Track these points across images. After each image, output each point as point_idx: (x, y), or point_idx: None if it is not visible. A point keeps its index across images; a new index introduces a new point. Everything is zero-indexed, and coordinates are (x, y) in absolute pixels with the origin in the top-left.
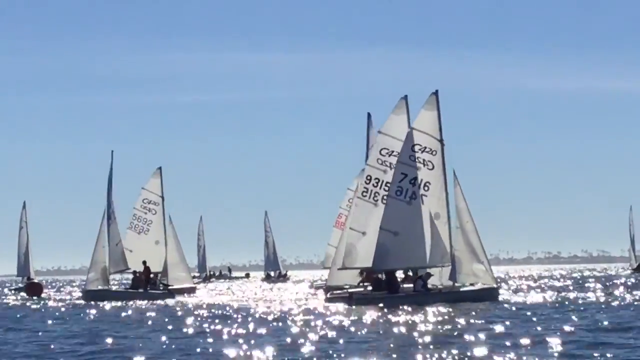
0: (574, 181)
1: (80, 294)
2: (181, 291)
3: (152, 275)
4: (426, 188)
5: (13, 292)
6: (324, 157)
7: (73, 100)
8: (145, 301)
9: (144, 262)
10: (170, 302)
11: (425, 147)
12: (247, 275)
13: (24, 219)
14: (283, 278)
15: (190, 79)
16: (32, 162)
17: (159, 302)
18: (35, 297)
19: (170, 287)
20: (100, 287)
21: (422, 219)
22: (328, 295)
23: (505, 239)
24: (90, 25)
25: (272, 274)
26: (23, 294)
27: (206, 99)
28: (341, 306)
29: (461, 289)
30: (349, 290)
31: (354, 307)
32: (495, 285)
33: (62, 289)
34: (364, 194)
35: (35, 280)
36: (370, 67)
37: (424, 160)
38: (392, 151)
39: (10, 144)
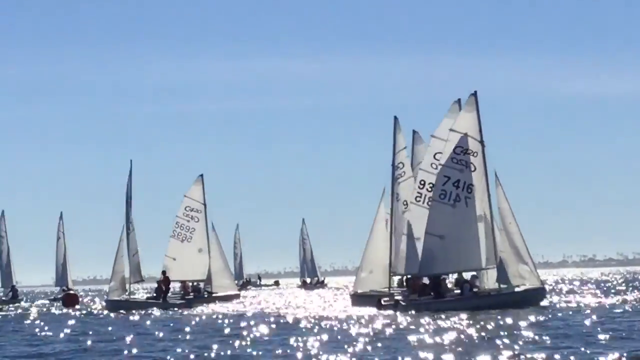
0: (608, 184)
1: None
2: (226, 298)
3: (194, 284)
4: (469, 190)
5: (49, 302)
6: (355, 163)
7: (113, 109)
8: (162, 311)
9: (164, 272)
10: (217, 309)
11: (467, 149)
12: (277, 283)
13: (61, 229)
14: (320, 285)
15: (228, 86)
16: (70, 171)
17: (199, 309)
18: (71, 308)
19: (214, 295)
20: (121, 297)
21: (467, 221)
22: (383, 302)
23: (540, 242)
24: (128, 36)
25: (307, 280)
26: (59, 304)
27: (236, 106)
28: (399, 314)
29: (508, 291)
30: (396, 297)
31: (399, 313)
32: (542, 286)
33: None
34: (418, 199)
35: (72, 291)
36: (397, 71)
37: (466, 162)
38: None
39: (46, 154)
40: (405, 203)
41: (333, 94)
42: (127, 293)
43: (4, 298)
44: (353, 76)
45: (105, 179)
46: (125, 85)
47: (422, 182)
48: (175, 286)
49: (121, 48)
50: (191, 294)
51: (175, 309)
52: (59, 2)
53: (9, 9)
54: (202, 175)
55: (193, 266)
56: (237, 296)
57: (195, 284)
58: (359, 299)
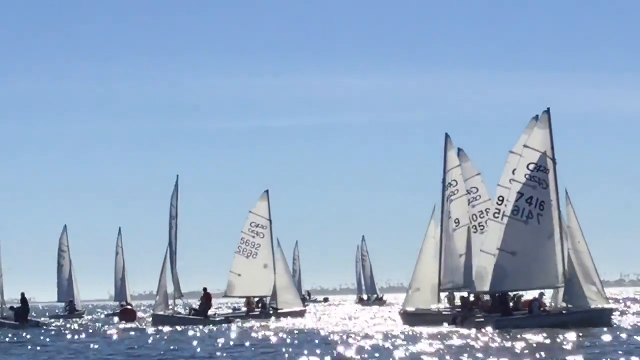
0: None
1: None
2: (291, 314)
3: (258, 299)
4: (542, 207)
5: (106, 316)
6: (412, 178)
7: (178, 124)
8: (202, 326)
9: (205, 289)
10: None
11: (540, 166)
12: (326, 300)
13: (120, 244)
14: (379, 301)
15: (290, 102)
16: (129, 187)
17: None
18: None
19: (280, 311)
20: (166, 312)
21: (539, 239)
22: (459, 319)
23: (598, 261)
24: (190, 50)
25: (364, 297)
26: (116, 318)
27: (298, 122)
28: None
29: (579, 310)
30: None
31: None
32: (611, 307)
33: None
34: (496, 215)
35: (129, 306)
36: (450, 89)
37: (539, 179)
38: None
39: (102, 170)
40: (456, 221)
41: (387, 110)
42: (170, 308)
43: (60, 313)
44: (413, 92)
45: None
46: (189, 99)
47: (501, 198)
48: (240, 302)
49: (185, 61)
50: (256, 310)
51: (216, 325)
52: (109, 12)
53: (61, 20)
54: (267, 191)
55: (258, 282)
56: (302, 312)
57: (261, 299)
58: (408, 317)
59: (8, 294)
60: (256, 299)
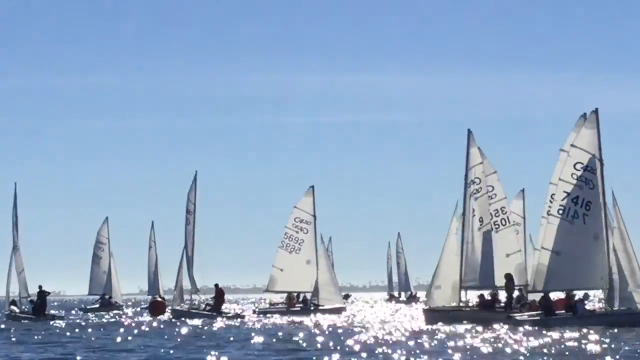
0: None
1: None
2: (331, 311)
3: (302, 295)
4: (587, 207)
5: (140, 309)
6: (440, 176)
7: (223, 120)
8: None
9: (216, 285)
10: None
11: (587, 166)
12: (346, 297)
13: (153, 238)
14: (413, 299)
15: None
16: (161, 182)
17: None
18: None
19: (321, 307)
20: (182, 307)
21: (584, 239)
22: (517, 318)
23: None
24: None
25: (395, 294)
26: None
27: (330, 120)
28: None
29: (622, 312)
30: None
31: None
32: None
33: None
34: (549, 212)
35: (158, 299)
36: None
37: (585, 179)
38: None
39: (138, 165)
40: (481, 219)
41: (424, 108)
42: (185, 303)
43: (90, 306)
44: (454, 91)
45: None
46: (231, 96)
47: (553, 196)
48: (281, 297)
49: (226, 59)
50: (297, 305)
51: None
52: (159, 13)
53: (112, 20)
54: (312, 187)
55: (300, 278)
56: (343, 309)
57: (302, 295)
58: (431, 314)
59: (34, 287)
60: (297, 295)
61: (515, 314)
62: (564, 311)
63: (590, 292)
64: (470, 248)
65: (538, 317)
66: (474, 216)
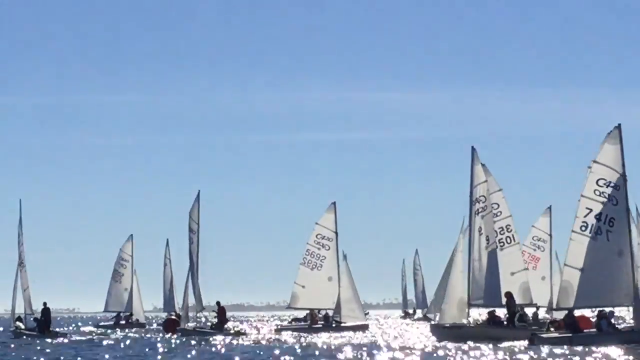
0: None
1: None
2: (354, 328)
3: (323, 312)
4: (610, 224)
5: (157, 326)
6: (448, 195)
7: (243, 138)
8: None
9: (218, 303)
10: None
11: (610, 182)
12: (366, 314)
13: (168, 255)
14: (427, 319)
15: (360, 117)
16: (174, 202)
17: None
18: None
19: (343, 324)
20: (187, 326)
21: (608, 255)
22: (543, 336)
23: None
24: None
25: (410, 311)
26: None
27: (358, 137)
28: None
29: None
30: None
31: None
32: None
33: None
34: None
35: (173, 316)
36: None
37: (608, 195)
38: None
39: (153, 182)
40: (487, 238)
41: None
42: (191, 322)
43: (102, 323)
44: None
45: (223, 206)
46: (254, 113)
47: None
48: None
49: (255, 75)
50: (319, 322)
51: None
52: (172, 29)
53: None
54: (334, 203)
55: (322, 294)
56: (365, 326)
57: (324, 312)
58: (439, 330)
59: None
60: (320, 312)
61: (542, 333)
62: (593, 329)
63: (616, 309)
64: (477, 266)
65: (566, 335)
66: (481, 234)
